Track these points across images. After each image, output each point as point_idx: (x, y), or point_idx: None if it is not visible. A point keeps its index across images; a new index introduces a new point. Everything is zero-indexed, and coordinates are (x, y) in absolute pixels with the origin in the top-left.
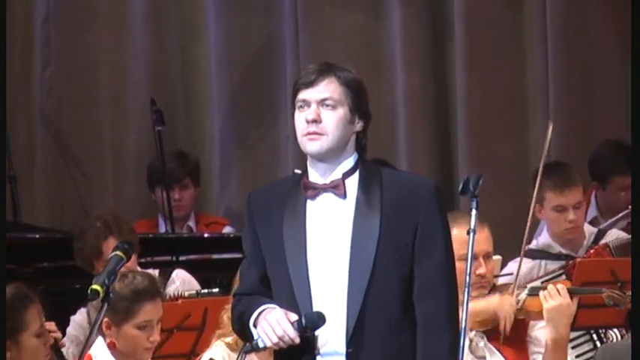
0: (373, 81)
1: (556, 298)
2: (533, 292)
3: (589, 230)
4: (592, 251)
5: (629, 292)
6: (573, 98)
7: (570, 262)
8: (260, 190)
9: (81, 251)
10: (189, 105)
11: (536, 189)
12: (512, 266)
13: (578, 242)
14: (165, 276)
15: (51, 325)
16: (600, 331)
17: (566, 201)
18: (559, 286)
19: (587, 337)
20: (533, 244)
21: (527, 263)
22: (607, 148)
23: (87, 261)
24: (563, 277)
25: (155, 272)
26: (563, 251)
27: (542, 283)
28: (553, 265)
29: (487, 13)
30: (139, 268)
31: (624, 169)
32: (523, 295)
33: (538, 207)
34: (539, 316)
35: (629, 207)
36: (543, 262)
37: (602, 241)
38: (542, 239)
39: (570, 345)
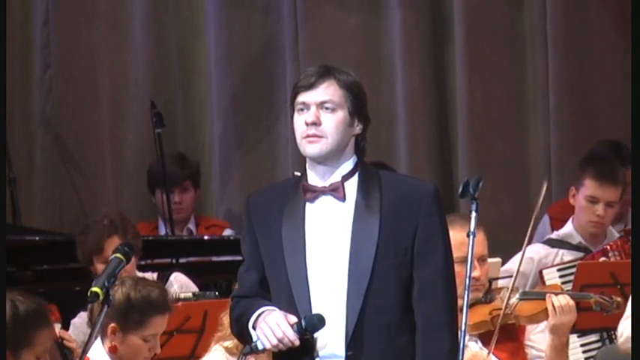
0: (373, 82)
1: (568, 315)
2: (525, 297)
3: (612, 234)
4: (612, 243)
5: (618, 298)
6: (573, 99)
7: (586, 255)
8: (259, 192)
9: (82, 245)
10: (188, 106)
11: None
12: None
13: (600, 239)
14: (164, 279)
15: (66, 334)
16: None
17: (601, 194)
18: (569, 299)
19: (596, 335)
20: (554, 234)
21: (544, 250)
22: (603, 147)
23: (86, 257)
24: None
25: (154, 275)
26: (583, 242)
27: (557, 270)
28: (569, 257)
29: (487, 14)
30: (137, 272)
31: (620, 164)
32: (514, 299)
33: (574, 190)
34: (528, 321)
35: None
36: (561, 251)
37: None
38: (565, 229)
39: (577, 336)
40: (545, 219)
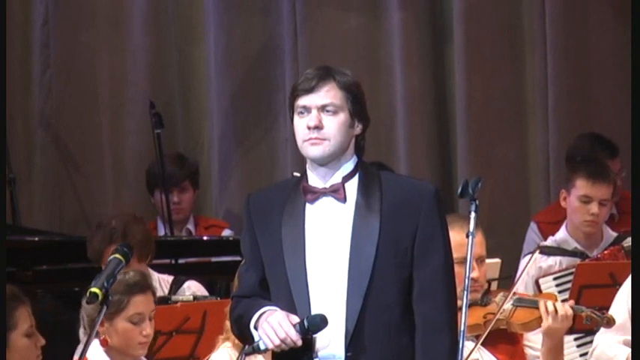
0: (372, 82)
1: (563, 322)
2: (519, 304)
3: (608, 233)
4: (606, 252)
5: (609, 314)
6: (572, 100)
7: (584, 260)
8: (259, 192)
9: (89, 248)
10: (187, 107)
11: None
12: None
13: (595, 241)
14: (179, 284)
15: None
16: None
17: (594, 193)
18: (567, 308)
19: (592, 336)
20: (549, 241)
21: (545, 261)
22: (585, 139)
23: (94, 259)
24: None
25: (169, 279)
26: (579, 247)
27: (554, 279)
28: (566, 264)
29: (486, 15)
30: (152, 271)
31: (607, 155)
32: (508, 305)
33: (564, 193)
34: (520, 328)
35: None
36: (558, 258)
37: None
38: (559, 235)
39: (573, 337)
40: (533, 226)
